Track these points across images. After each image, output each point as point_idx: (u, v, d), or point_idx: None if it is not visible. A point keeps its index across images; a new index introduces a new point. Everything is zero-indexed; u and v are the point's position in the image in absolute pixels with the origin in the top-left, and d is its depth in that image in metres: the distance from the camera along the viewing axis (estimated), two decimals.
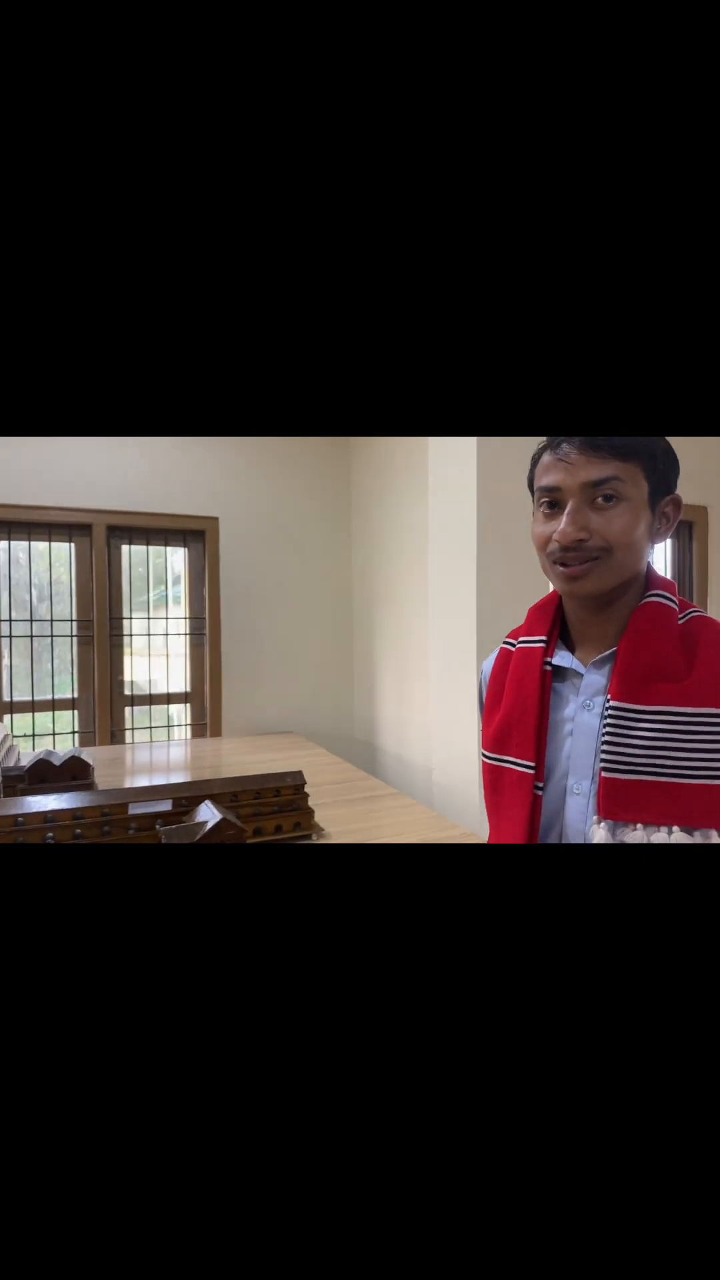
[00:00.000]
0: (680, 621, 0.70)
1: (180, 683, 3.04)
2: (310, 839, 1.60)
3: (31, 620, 2.77)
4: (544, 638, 0.76)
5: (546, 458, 0.70)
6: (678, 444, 0.75)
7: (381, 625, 3.05)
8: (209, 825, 1.35)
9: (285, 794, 1.62)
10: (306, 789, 1.67)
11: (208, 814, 1.41)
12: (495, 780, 0.77)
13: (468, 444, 2.06)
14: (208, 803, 1.47)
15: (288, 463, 3.14)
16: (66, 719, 2.84)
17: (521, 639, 0.79)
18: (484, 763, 0.79)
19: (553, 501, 0.69)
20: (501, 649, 0.83)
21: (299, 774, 1.67)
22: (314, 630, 3.24)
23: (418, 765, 2.75)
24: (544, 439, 0.72)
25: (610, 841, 0.65)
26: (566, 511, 0.67)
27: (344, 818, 1.78)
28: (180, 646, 3.03)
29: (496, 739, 0.77)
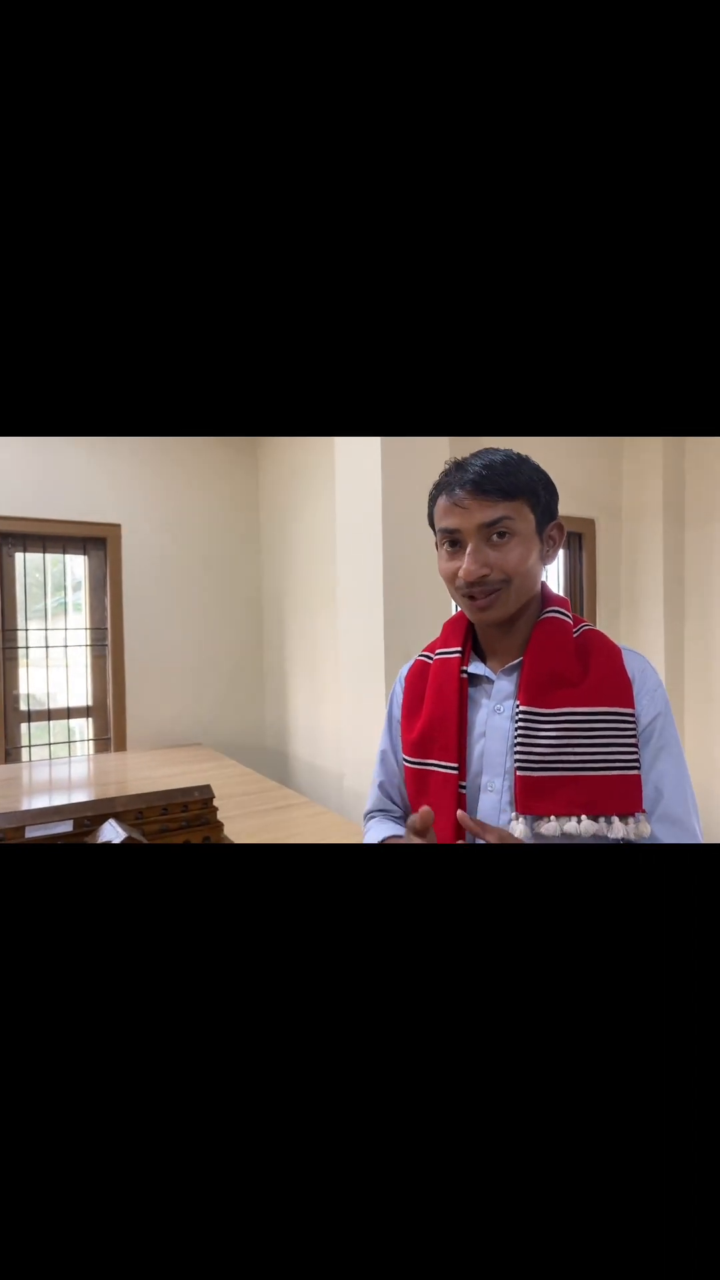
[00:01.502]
0: (575, 635, 0.79)
1: (81, 696, 2.91)
2: None
3: None
4: (459, 649, 0.84)
5: (443, 501, 0.77)
6: (567, 465, 0.83)
7: (292, 632, 3.06)
8: (114, 844, 1.31)
9: (193, 808, 1.60)
10: (216, 802, 1.65)
11: (111, 833, 1.37)
12: (419, 783, 0.83)
13: (372, 445, 2.11)
14: (112, 821, 1.42)
15: (194, 468, 3.09)
16: None
17: (439, 651, 0.87)
18: (406, 768, 0.85)
19: (454, 541, 0.76)
20: (418, 660, 0.90)
21: (207, 787, 1.65)
22: (223, 639, 3.19)
23: (330, 772, 2.77)
24: (439, 478, 0.80)
25: (528, 832, 0.72)
26: (468, 552, 0.74)
27: (253, 829, 1.77)
28: (81, 658, 2.91)
29: (419, 744, 0.83)
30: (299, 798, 2.15)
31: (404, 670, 0.92)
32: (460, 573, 0.75)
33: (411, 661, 0.91)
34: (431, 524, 0.81)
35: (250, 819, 1.87)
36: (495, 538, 0.74)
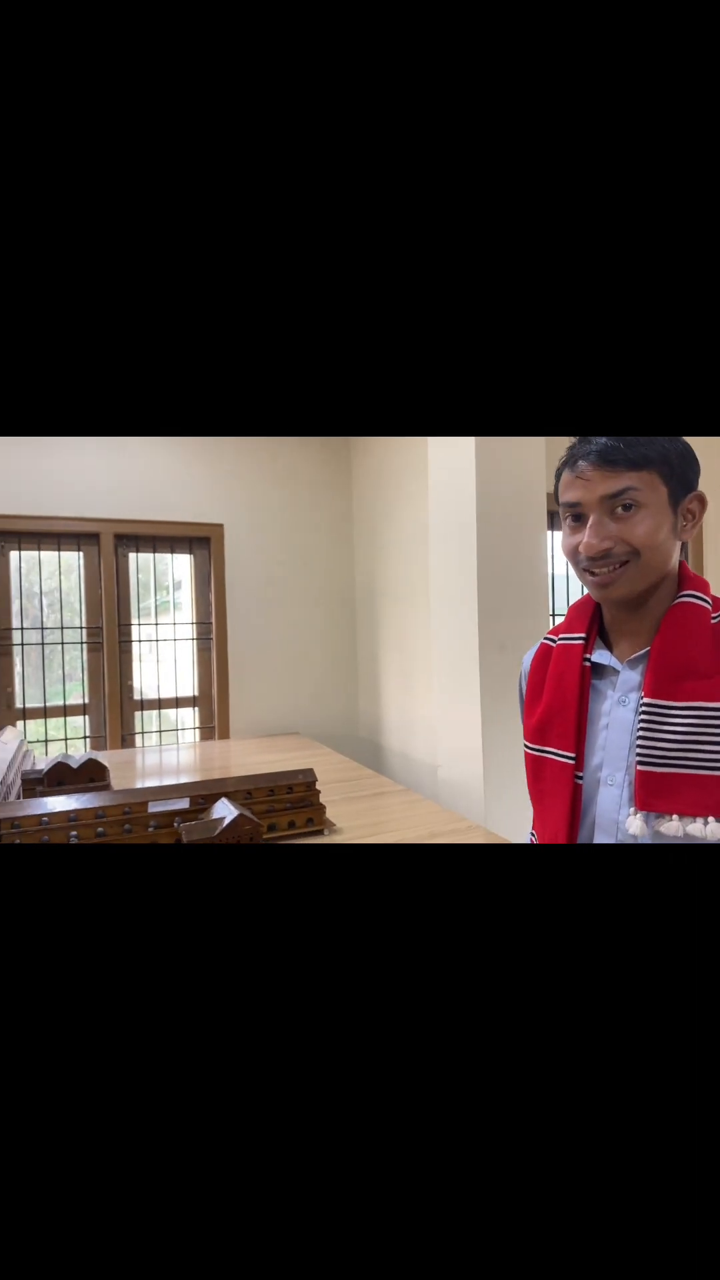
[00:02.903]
0: (714, 620, 0.73)
1: (188, 686, 3.09)
2: (323, 834, 1.66)
3: (42, 628, 2.83)
4: (583, 635, 0.79)
5: (566, 475, 0.74)
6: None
7: (384, 625, 3.11)
8: (226, 821, 1.41)
9: (297, 790, 1.68)
10: (316, 786, 1.73)
11: (224, 810, 1.47)
12: (537, 769, 0.81)
13: (466, 443, 2.12)
14: (224, 800, 1.53)
15: (290, 469, 3.20)
16: (77, 724, 2.90)
17: (562, 636, 0.82)
18: (526, 752, 0.83)
19: (577, 515, 0.72)
20: (542, 644, 0.87)
21: (310, 771, 1.73)
22: (318, 632, 3.30)
23: (423, 762, 2.81)
24: (565, 453, 0.76)
25: (646, 830, 0.69)
26: (589, 525, 0.70)
27: (353, 814, 1.84)
28: (187, 651, 3.09)
29: (537, 730, 0.81)
30: (394, 785, 2.20)
31: (529, 655, 0.89)
32: (580, 547, 0.71)
33: (536, 646, 0.88)
34: (557, 500, 0.77)
35: (348, 804, 1.93)
36: (620, 510, 0.69)
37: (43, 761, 2.09)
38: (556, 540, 3.02)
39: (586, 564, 0.72)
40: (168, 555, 3.04)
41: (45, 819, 1.43)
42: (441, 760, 2.44)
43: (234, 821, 1.41)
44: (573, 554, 0.73)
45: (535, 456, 2.14)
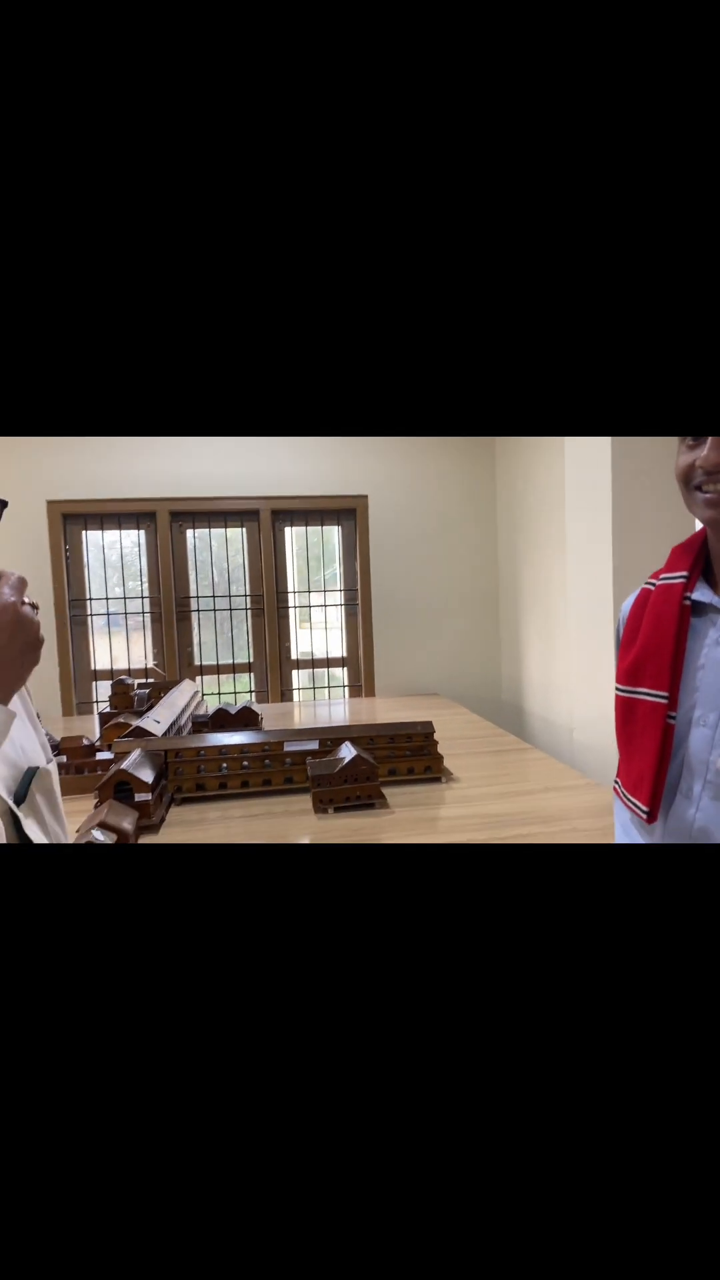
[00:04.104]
0: None
1: (338, 648, 3.36)
2: (440, 781, 1.79)
3: (214, 597, 3.24)
4: (685, 573, 0.77)
5: None
6: None
7: (526, 590, 3.11)
8: (345, 760, 1.60)
9: (416, 740, 1.82)
10: (445, 744, 1.85)
11: (346, 752, 1.66)
12: (627, 713, 0.79)
13: None
14: (347, 743, 1.72)
15: (431, 439, 3.28)
16: (245, 680, 3.29)
17: (662, 577, 0.80)
18: (616, 696, 0.81)
19: None
20: (642, 589, 0.84)
21: (429, 724, 1.86)
22: (459, 598, 3.38)
23: (562, 726, 2.80)
24: None
25: None
26: (710, 440, 0.67)
27: (472, 766, 1.94)
28: (337, 616, 3.35)
29: (630, 672, 0.79)
30: (525, 745, 2.25)
31: (628, 601, 0.86)
32: (699, 462, 0.67)
33: (636, 592, 0.85)
34: None
35: (471, 758, 2.03)
36: None
37: (213, 709, 2.45)
38: None
39: (701, 480, 0.69)
40: (321, 528, 3.30)
41: (201, 751, 1.72)
42: (576, 723, 2.43)
43: (352, 760, 1.60)
44: (686, 474, 0.71)
45: None
